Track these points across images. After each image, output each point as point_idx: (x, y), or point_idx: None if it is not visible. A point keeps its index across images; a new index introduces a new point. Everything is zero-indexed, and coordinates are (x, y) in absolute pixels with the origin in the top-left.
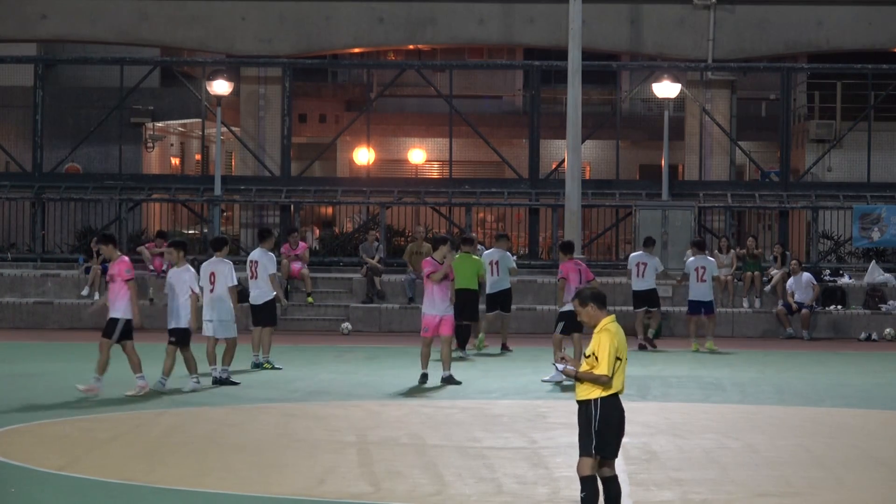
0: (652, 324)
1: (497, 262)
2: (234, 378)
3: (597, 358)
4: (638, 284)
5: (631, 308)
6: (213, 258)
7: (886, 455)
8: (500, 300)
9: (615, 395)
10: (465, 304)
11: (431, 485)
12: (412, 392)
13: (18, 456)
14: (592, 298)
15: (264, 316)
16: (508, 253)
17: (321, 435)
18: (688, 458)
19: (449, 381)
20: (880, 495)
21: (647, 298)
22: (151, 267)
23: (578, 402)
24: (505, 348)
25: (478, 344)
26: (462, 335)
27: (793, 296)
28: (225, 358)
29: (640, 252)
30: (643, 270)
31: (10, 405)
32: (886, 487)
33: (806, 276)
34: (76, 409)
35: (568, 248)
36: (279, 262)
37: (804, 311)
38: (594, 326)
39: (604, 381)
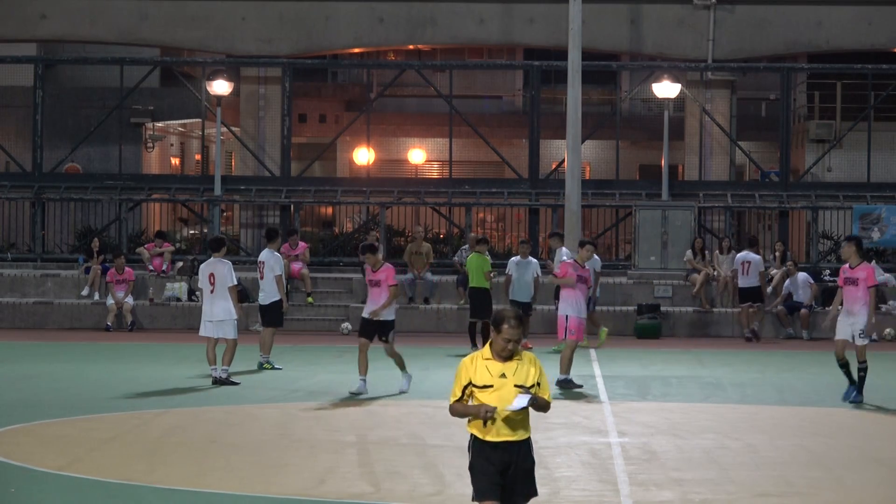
0: (757, 318)
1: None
2: (234, 378)
3: (539, 385)
4: (744, 282)
5: (630, 309)
6: (212, 258)
7: (886, 455)
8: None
9: None
10: (482, 302)
11: (431, 485)
12: (412, 392)
13: (18, 456)
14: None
15: (270, 316)
16: (533, 259)
17: (321, 435)
18: (688, 458)
19: (569, 384)
20: (880, 495)
21: (751, 294)
22: (151, 267)
23: (520, 441)
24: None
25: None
26: (474, 333)
27: (790, 297)
28: (224, 358)
29: (745, 252)
30: (748, 268)
31: (10, 405)
32: (886, 487)
33: (802, 276)
34: (76, 409)
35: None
36: None
37: (803, 310)
38: (513, 354)
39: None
